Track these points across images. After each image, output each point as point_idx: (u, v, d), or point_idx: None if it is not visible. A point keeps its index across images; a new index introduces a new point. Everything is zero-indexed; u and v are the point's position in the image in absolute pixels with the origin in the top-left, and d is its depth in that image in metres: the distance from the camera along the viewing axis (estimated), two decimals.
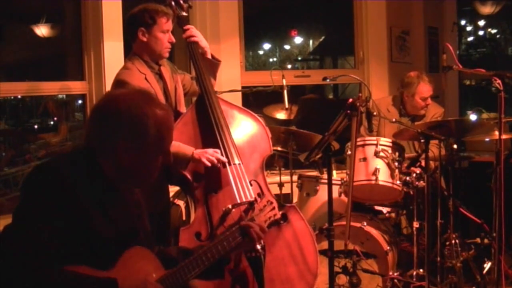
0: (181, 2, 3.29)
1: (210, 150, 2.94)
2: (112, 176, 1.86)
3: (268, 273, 2.60)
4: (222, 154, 2.96)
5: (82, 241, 1.74)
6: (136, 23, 3.05)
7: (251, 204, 2.83)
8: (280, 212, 2.31)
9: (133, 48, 3.12)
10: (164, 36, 3.06)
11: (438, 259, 3.63)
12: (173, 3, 3.26)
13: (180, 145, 2.94)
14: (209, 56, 3.29)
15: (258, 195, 2.90)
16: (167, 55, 3.17)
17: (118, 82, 2.99)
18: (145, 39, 3.04)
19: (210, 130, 3.05)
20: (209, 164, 2.90)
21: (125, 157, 1.83)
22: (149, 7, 3.06)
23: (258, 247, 2.16)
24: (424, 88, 4.24)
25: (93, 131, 1.85)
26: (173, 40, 3.12)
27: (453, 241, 3.71)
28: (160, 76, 3.14)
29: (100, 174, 1.84)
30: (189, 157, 2.92)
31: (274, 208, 2.21)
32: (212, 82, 3.26)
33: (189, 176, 2.99)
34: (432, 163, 3.75)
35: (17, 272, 1.63)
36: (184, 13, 3.26)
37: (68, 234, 1.71)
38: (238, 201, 2.90)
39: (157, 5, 3.10)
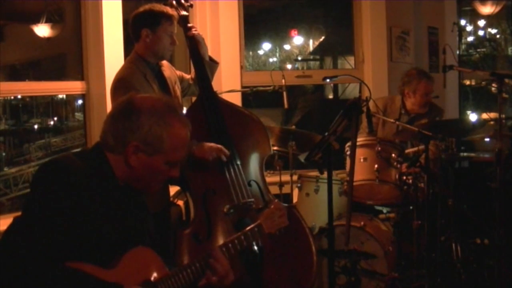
0: (182, 1, 3.30)
1: (213, 145, 2.93)
2: (120, 177, 1.88)
3: (265, 274, 2.60)
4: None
5: (87, 238, 1.75)
6: (140, 24, 3.06)
7: (259, 211, 2.82)
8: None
9: (134, 48, 3.12)
10: (167, 38, 3.07)
11: (439, 259, 3.63)
12: (174, 2, 3.27)
13: None
14: (207, 59, 3.30)
15: (261, 193, 2.90)
16: (168, 57, 3.18)
17: (118, 81, 2.99)
18: (148, 40, 3.04)
19: (209, 131, 3.05)
20: (211, 159, 2.89)
21: (134, 157, 1.84)
22: (155, 8, 3.06)
23: (255, 248, 2.14)
24: (426, 85, 4.22)
25: (111, 125, 1.87)
26: (176, 42, 3.14)
27: (453, 241, 3.72)
28: (160, 76, 3.14)
29: (110, 174, 1.86)
30: (191, 148, 2.90)
31: (283, 215, 2.19)
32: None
33: (187, 177, 2.99)
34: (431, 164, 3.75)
35: (25, 267, 1.65)
36: (185, 13, 3.27)
37: (74, 230, 1.72)
38: (236, 202, 2.90)
39: (163, 7, 3.11)
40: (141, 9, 3.08)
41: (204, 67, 3.23)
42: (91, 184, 1.78)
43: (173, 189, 3.46)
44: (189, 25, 3.26)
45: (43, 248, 1.67)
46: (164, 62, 3.21)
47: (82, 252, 1.74)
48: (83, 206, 1.74)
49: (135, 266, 1.82)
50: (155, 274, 1.84)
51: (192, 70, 3.38)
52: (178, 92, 3.26)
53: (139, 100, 1.88)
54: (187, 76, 3.42)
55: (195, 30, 3.27)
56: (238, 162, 3.01)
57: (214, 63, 3.37)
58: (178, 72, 3.37)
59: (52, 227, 1.69)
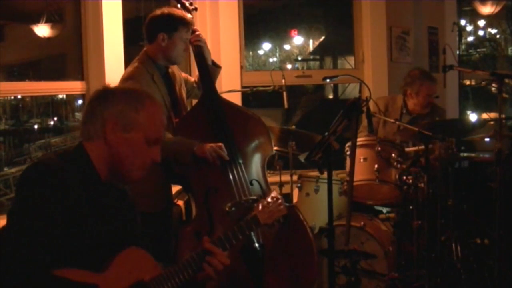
0: (187, 4, 3.31)
1: (213, 144, 2.94)
2: (103, 170, 1.87)
3: (267, 273, 2.59)
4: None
5: (76, 241, 1.74)
6: (158, 27, 3.06)
7: (254, 200, 2.82)
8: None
9: (145, 48, 3.13)
10: (182, 44, 3.08)
11: (439, 259, 3.63)
12: (179, 5, 3.28)
13: (183, 138, 2.96)
14: (209, 63, 3.31)
15: (262, 191, 2.90)
16: (180, 62, 3.22)
17: (126, 79, 3.01)
18: (164, 44, 3.05)
19: (212, 130, 3.05)
20: (211, 158, 2.90)
21: (112, 136, 1.85)
22: (175, 13, 3.07)
23: (256, 245, 2.13)
24: (429, 87, 4.20)
25: (89, 111, 1.89)
26: (189, 49, 3.15)
27: (453, 241, 3.71)
28: (167, 77, 3.15)
29: (94, 174, 1.85)
30: (193, 148, 2.92)
31: (280, 204, 2.17)
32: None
33: (189, 175, 3.00)
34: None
35: (9, 276, 1.63)
36: (189, 15, 3.28)
37: (62, 233, 1.71)
38: (238, 200, 2.90)
39: (181, 12, 3.13)
40: (160, 12, 3.08)
41: (208, 69, 3.24)
42: (75, 184, 1.77)
43: (174, 189, 3.46)
44: (193, 28, 3.28)
45: (31, 255, 1.65)
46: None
47: (72, 256, 1.73)
48: (70, 207, 1.73)
49: (127, 267, 1.80)
50: (147, 275, 1.83)
51: (196, 73, 3.39)
52: (184, 94, 3.29)
53: (114, 86, 1.97)
54: (192, 79, 3.44)
55: (198, 34, 3.27)
56: (240, 161, 3.02)
57: (216, 68, 3.38)
58: (183, 75, 3.39)
59: (39, 232, 1.67)
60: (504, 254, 3.50)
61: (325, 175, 2.77)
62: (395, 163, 3.69)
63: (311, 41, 8.06)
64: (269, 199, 2.15)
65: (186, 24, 3.08)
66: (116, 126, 1.85)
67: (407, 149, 3.93)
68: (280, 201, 2.16)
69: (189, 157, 2.92)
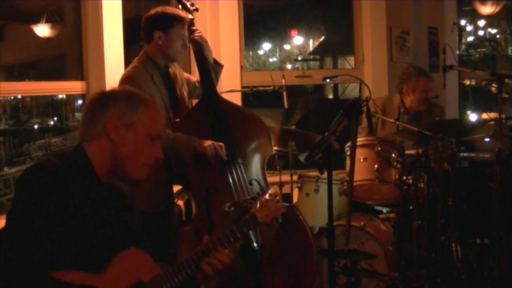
0: (188, 5, 3.32)
1: (214, 142, 2.94)
2: (103, 171, 1.87)
3: (266, 273, 2.59)
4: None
5: (75, 242, 1.74)
6: (153, 26, 3.08)
7: (253, 198, 2.82)
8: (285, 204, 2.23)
9: (144, 48, 3.14)
10: (179, 40, 3.09)
11: (439, 259, 3.63)
12: (180, 6, 3.29)
13: (183, 134, 2.97)
14: (211, 61, 3.31)
15: (261, 190, 2.90)
16: (179, 59, 3.22)
17: (125, 79, 3.02)
18: (160, 42, 3.06)
19: (212, 130, 3.06)
20: (210, 155, 2.90)
21: (115, 133, 1.86)
22: (168, 10, 3.09)
23: (255, 245, 2.12)
24: (424, 82, 4.23)
25: (89, 113, 1.90)
26: (188, 45, 3.16)
27: (453, 241, 3.71)
28: (167, 77, 3.16)
29: (93, 175, 1.85)
30: (193, 145, 2.92)
31: (278, 201, 2.16)
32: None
33: (189, 175, 3.00)
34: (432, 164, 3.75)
35: (8, 278, 1.63)
36: (190, 16, 3.29)
37: (61, 235, 1.71)
38: (237, 200, 2.91)
39: (176, 10, 3.14)
40: (153, 11, 3.11)
41: (208, 69, 3.25)
42: (74, 186, 1.77)
43: (174, 189, 3.46)
44: (193, 28, 3.29)
45: (30, 257, 1.65)
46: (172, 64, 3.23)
47: (71, 257, 1.73)
48: (68, 209, 1.73)
49: (126, 269, 1.80)
50: (146, 276, 1.83)
51: (196, 73, 3.40)
52: (185, 94, 3.29)
53: (113, 89, 2.00)
54: (194, 79, 3.44)
55: (199, 33, 3.28)
56: (240, 161, 3.02)
57: (218, 66, 3.38)
58: (185, 74, 3.40)
59: (39, 234, 1.67)
60: (504, 254, 3.50)
61: (325, 175, 2.77)
62: (395, 163, 3.69)
63: (311, 41, 8.06)
64: (266, 197, 2.13)
65: (181, 20, 3.09)
66: (119, 124, 1.86)
67: (407, 152, 3.93)
68: (277, 198, 2.13)
69: (190, 155, 2.93)
